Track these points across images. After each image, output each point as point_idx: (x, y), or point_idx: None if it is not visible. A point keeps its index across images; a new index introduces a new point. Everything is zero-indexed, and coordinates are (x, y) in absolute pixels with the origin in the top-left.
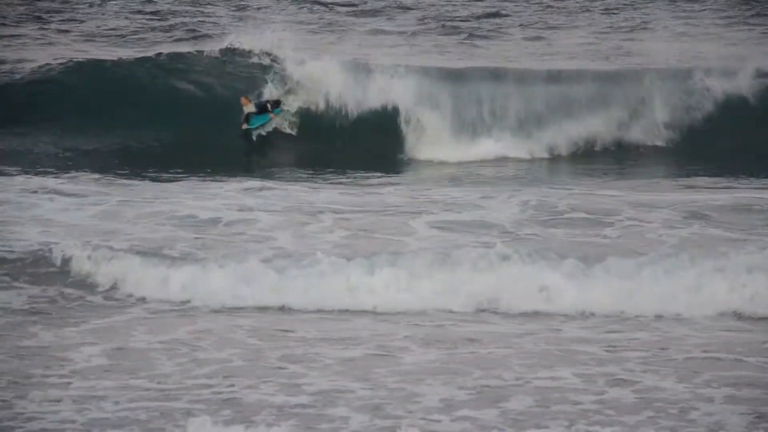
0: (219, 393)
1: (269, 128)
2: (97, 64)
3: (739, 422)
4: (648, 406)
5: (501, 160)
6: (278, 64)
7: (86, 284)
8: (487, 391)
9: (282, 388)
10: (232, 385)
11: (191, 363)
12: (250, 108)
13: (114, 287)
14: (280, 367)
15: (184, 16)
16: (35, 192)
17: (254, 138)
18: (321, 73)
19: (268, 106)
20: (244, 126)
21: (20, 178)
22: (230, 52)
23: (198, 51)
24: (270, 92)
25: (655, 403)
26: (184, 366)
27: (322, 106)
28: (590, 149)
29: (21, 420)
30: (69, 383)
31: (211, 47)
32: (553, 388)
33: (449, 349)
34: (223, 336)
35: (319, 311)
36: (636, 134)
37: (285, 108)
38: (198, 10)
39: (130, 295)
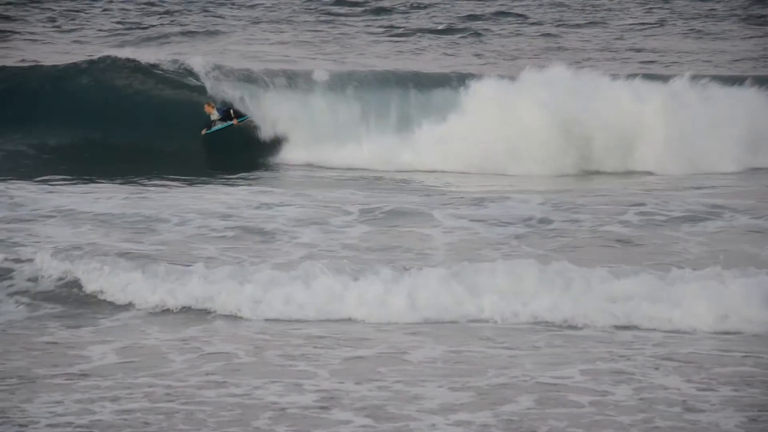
0: (227, 395)
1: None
2: (107, 64)
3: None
4: (649, 407)
5: None
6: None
7: (103, 284)
8: (489, 392)
9: (288, 388)
10: (239, 386)
11: (199, 359)
12: (214, 115)
13: (126, 289)
14: (286, 366)
15: (192, 14)
16: (50, 192)
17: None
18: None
19: (231, 113)
20: (204, 131)
21: (34, 178)
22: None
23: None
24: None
25: (655, 405)
26: (193, 363)
27: None
28: None
29: (23, 420)
30: (77, 382)
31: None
32: (556, 386)
33: (458, 348)
34: (233, 337)
35: (330, 320)
36: None
37: (250, 117)
38: (204, 10)
39: (135, 299)
